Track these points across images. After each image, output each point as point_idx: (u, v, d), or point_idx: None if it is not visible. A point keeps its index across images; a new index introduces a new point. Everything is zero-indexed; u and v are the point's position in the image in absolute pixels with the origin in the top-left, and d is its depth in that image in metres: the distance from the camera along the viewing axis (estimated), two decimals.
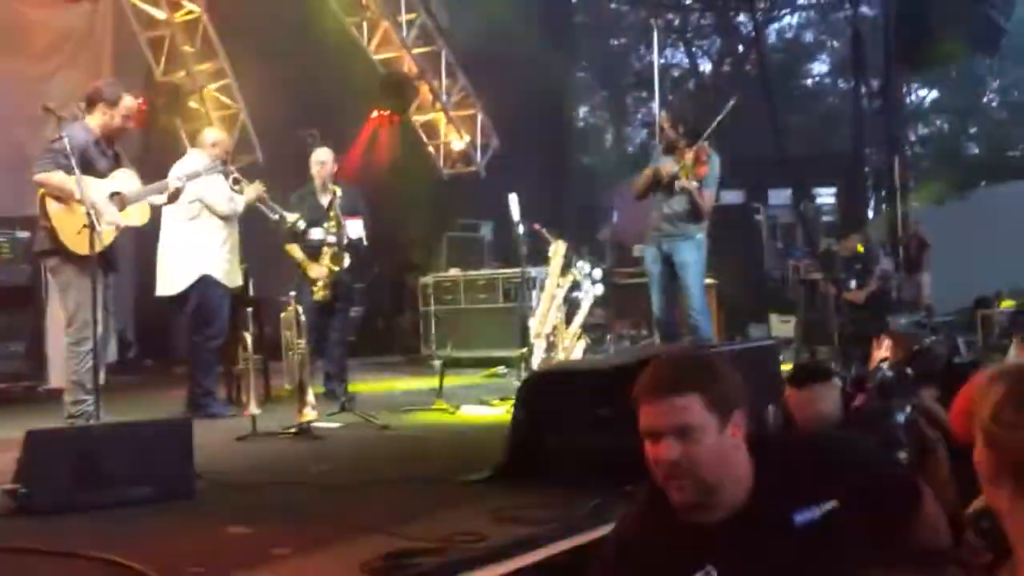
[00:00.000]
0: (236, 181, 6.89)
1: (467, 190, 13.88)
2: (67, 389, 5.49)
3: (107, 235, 5.42)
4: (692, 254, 7.13)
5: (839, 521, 1.95)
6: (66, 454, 3.70)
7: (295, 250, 7.30)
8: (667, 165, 7.10)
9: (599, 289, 8.74)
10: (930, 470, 2.62)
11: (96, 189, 5.42)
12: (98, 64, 9.66)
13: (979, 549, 2.04)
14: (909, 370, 3.16)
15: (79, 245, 5.24)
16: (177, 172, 6.20)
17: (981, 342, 10.48)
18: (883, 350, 3.43)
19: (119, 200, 5.53)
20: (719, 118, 7.14)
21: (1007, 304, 12.02)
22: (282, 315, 6.09)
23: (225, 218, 6.69)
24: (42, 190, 5.45)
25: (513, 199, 7.36)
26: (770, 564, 1.93)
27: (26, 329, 7.99)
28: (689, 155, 7.03)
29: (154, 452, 3.87)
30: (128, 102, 5.63)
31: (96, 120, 5.60)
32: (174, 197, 6.02)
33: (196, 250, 6.61)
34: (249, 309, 6.40)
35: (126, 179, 5.64)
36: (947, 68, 19.71)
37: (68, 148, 5.05)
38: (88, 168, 5.41)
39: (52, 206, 5.40)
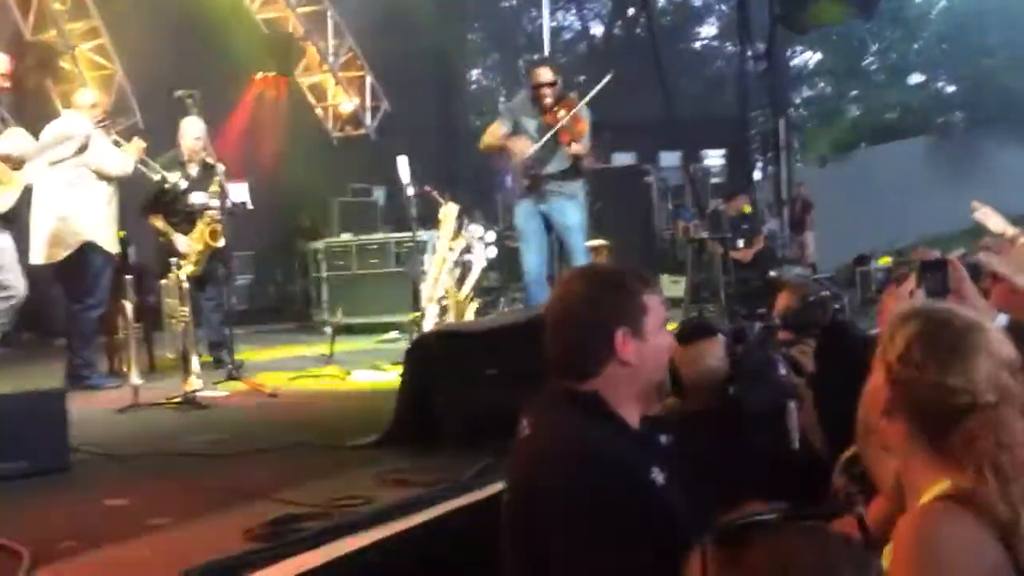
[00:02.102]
0: (116, 143, 6.64)
1: (358, 154, 13.68)
2: None
3: (7, 195, 5.27)
4: (577, 215, 6.90)
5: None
6: None
7: (159, 221, 7.08)
8: (521, 142, 6.70)
9: (491, 252, 8.74)
10: (800, 416, 2.69)
11: None
12: None
13: (852, 495, 2.11)
14: (777, 320, 3.24)
15: None
16: (59, 130, 5.96)
17: (859, 298, 10.86)
18: (782, 302, 3.47)
19: (14, 161, 5.31)
20: (596, 89, 6.97)
21: (884, 261, 12.48)
22: (163, 283, 5.91)
23: (111, 181, 6.47)
24: None
25: (402, 161, 7.27)
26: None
27: None
28: (562, 112, 6.69)
29: (26, 425, 3.71)
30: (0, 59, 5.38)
31: None
32: (83, 149, 5.80)
33: (78, 214, 6.36)
34: (129, 276, 6.18)
35: (17, 138, 5.40)
36: (828, 31, 20.22)
37: None
38: None
39: None
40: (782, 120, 14.62)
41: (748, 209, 11.29)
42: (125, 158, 6.51)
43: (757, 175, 19.57)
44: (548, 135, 6.64)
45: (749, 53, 15.69)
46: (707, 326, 2.93)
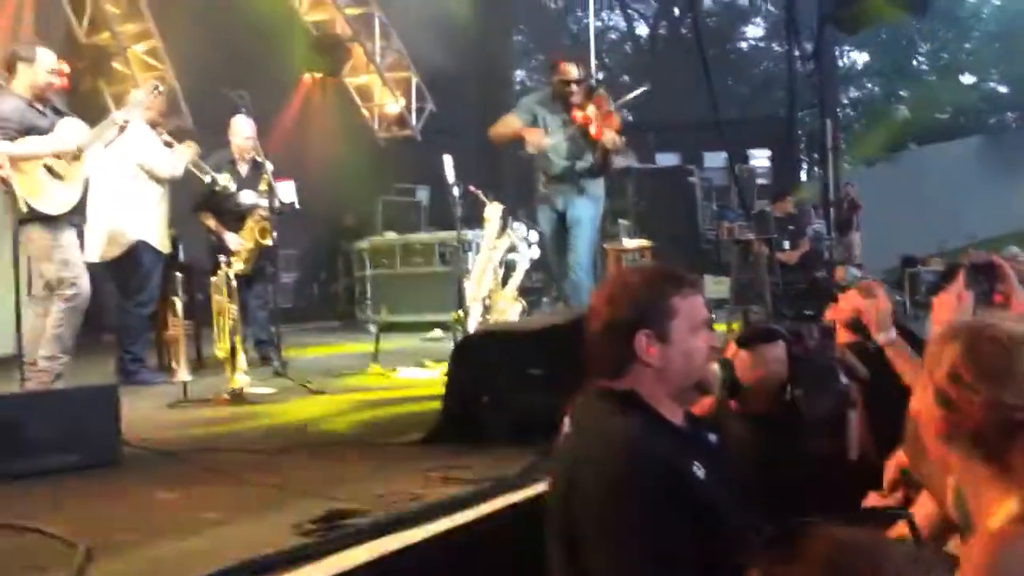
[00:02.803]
0: (167, 144, 6.75)
1: (403, 154, 13.75)
2: (42, 343, 5.33)
3: (71, 192, 5.34)
4: (589, 210, 6.69)
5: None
6: None
7: (209, 219, 7.18)
8: (536, 133, 6.56)
9: (535, 252, 8.74)
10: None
11: (45, 146, 5.31)
12: (17, 27, 9.33)
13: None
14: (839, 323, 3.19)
15: (47, 206, 5.24)
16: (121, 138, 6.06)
17: (908, 300, 10.71)
18: (849, 304, 3.38)
19: (73, 153, 5.40)
20: (629, 97, 6.99)
21: (934, 264, 12.29)
22: (213, 279, 5.99)
23: (162, 181, 6.59)
24: None
25: (448, 160, 7.29)
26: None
27: None
28: (592, 108, 6.50)
29: (79, 419, 3.78)
30: (45, 56, 5.46)
31: (22, 82, 5.42)
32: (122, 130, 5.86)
33: (131, 214, 6.48)
34: (179, 274, 6.27)
35: (73, 128, 5.48)
36: (877, 31, 19.99)
37: (3, 117, 5.03)
38: (31, 131, 5.33)
39: (14, 178, 5.26)
40: (829, 121, 14.47)
41: (794, 210, 11.20)
42: (176, 161, 6.61)
43: (803, 176, 19.37)
44: (574, 131, 6.52)
45: (797, 53, 15.55)
46: (770, 331, 2.90)
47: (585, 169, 6.64)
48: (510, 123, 6.76)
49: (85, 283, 5.42)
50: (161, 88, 6.26)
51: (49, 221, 5.29)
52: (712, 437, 2.20)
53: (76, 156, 5.41)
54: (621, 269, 2.24)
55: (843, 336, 2.96)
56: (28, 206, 5.21)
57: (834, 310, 3.09)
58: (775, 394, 2.66)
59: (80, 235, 5.61)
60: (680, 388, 2.11)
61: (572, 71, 6.60)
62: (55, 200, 5.28)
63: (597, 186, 6.75)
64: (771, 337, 2.78)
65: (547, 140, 6.53)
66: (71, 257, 5.38)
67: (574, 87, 6.57)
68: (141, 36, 10.66)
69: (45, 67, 5.41)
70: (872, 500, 2.39)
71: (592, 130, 6.48)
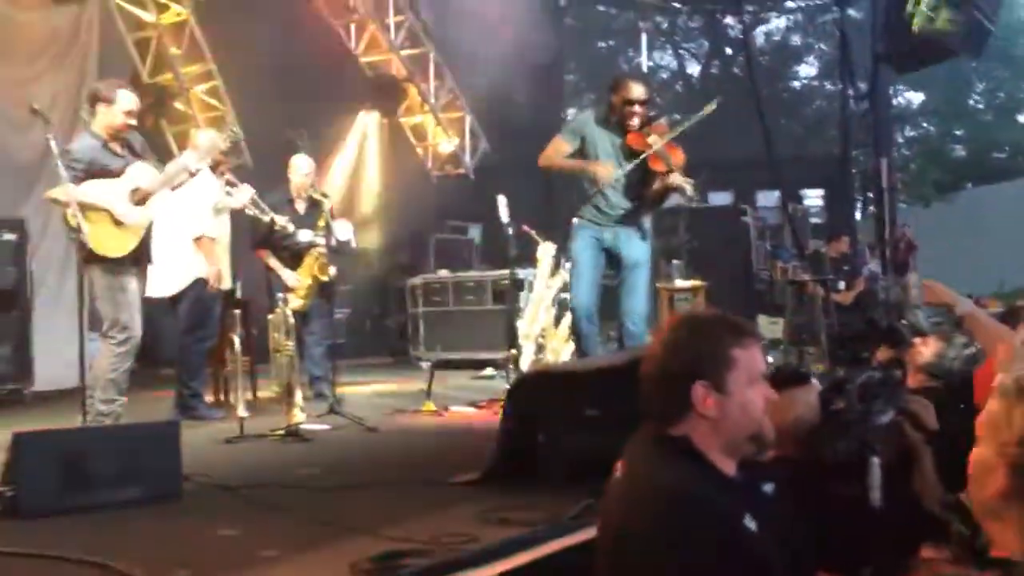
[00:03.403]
0: (230, 183, 6.89)
1: (456, 192, 13.88)
2: (99, 387, 5.43)
3: (132, 236, 5.43)
4: (645, 250, 6.09)
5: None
6: (53, 456, 3.68)
7: (268, 256, 7.30)
8: (605, 170, 5.80)
9: None
10: (916, 474, 2.62)
11: (112, 191, 5.40)
12: (84, 66, 9.60)
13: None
14: (898, 372, 3.16)
15: (107, 249, 5.31)
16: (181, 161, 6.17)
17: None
18: (930, 349, 3.32)
19: (140, 194, 5.49)
20: (695, 118, 6.13)
21: (993, 306, 12.07)
22: (270, 317, 6.08)
23: (222, 218, 6.74)
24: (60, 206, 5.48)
25: (502, 201, 7.35)
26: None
27: (12, 332, 7.95)
28: (654, 137, 5.78)
29: (141, 454, 3.85)
30: (125, 97, 5.56)
31: (100, 122, 5.53)
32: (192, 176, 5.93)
33: (192, 252, 6.60)
34: (237, 311, 6.37)
35: (142, 172, 5.58)
36: (933, 71, 19.82)
37: (70, 158, 5.11)
38: (102, 172, 5.41)
39: (71, 217, 5.39)
40: (884, 160, 14.34)
41: (849, 251, 11.09)
42: (225, 203, 6.76)
43: (858, 215, 19.18)
44: (638, 159, 5.78)
45: (851, 92, 15.47)
46: (801, 373, 2.87)
47: (642, 205, 6.01)
48: (560, 148, 6.08)
49: (137, 328, 5.47)
50: (237, 133, 6.31)
51: (108, 263, 5.35)
52: (767, 488, 2.18)
53: (141, 201, 5.50)
54: (680, 315, 2.19)
55: (917, 380, 2.94)
56: (86, 247, 5.33)
57: (911, 354, 3.07)
58: (803, 439, 2.63)
59: (144, 275, 5.69)
60: (736, 440, 2.07)
61: (636, 90, 5.88)
62: (113, 244, 5.34)
63: (645, 220, 6.12)
64: (802, 380, 2.75)
65: (619, 171, 5.83)
66: (127, 301, 5.43)
67: (637, 107, 5.85)
68: (202, 77, 10.91)
69: (123, 108, 5.51)
70: (927, 553, 2.35)
71: (654, 163, 5.78)
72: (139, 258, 5.55)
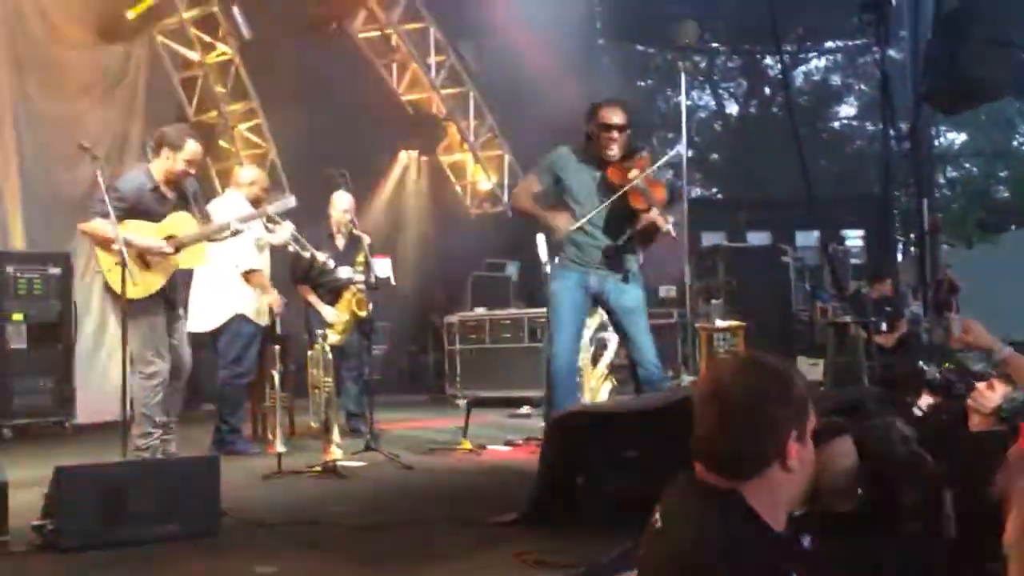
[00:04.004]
0: (270, 220, 6.94)
1: (493, 229, 13.92)
2: (135, 422, 5.47)
3: (159, 277, 5.47)
4: (637, 294, 5.52)
5: None
6: (93, 491, 3.71)
7: (307, 292, 7.35)
8: (563, 217, 5.35)
9: None
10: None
11: (148, 233, 5.47)
12: (131, 104, 9.80)
13: None
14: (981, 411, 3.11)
15: (131, 290, 5.25)
16: (225, 213, 6.20)
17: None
18: (997, 392, 3.24)
19: (174, 243, 5.54)
20: (664, 160, 5.87)
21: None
22: (309, 353, 6.11)
23: (263, 253, 6.79)
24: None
25: (541, 239, 7.35)
26: None
27: (55, 365, 8.05)
28: (635, 172, 5.28)
29: (180, 489, 3.87)
30: (192, 147, 5.60)
31: (160, 165, 5.59)
32: (236, 233, 5.94)
33: (231, 288, 6.66)
34: (277, 347, 6.41)
35: (181, 222, 5.63)
36: (976, 111, 19.67)
37: (106, 194, 5.15)
38: (143, 214, 5.47)
39: (101, 254, 5.46)
40: (925, 201, 14.20)
41: (891, 292, 10.96)
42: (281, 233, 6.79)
43: (899, 256, 18.98)
44: (616, 195, 5.27)
45: (892, 133, 15.37)
46: (837, 425, 2.82)
47: (626, 244, 5.44)
48: (528, 188, 5.62)
49: (164, 366, 5.47)
50: (292, 203, 6.31)
51: (134, 301, 5.28)
52: (806, 541, 2.12)
53: (176, 248, 5.53)
54: (750, 358, 2.07)
55: (984, 423, 2.90)
56: (109, 285, 5.39)
57: (974, 397, 3.02)
58: (848, 489, 2.58)
59: (176, 309, 5.72)
60: (799, 493, 1.98)
61: (612, 114, 5.39)
62: (135, 284, 5.25)
63: (635, 260, 5.57)
64: (838, 432, 2.69)
65: (571, 226, 5.34)
66: (153, 337, 5.44)
67: (615, 134, 5.35)
68: (247, 115, 11.09)
69: (187, 156, 5.57)
70: None
71: (634, 199, 5.28)
72: (170, 296, 5.57)
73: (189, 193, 5.70)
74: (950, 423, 3.24)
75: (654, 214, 5.21)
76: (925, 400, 3.50)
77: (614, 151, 5.35)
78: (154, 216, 5.51)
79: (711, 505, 1.94)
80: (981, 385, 3.13)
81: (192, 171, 5.64)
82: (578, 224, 5.31)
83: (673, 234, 5.29)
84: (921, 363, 3.91)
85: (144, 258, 5.43)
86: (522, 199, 5.66)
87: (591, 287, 5.45)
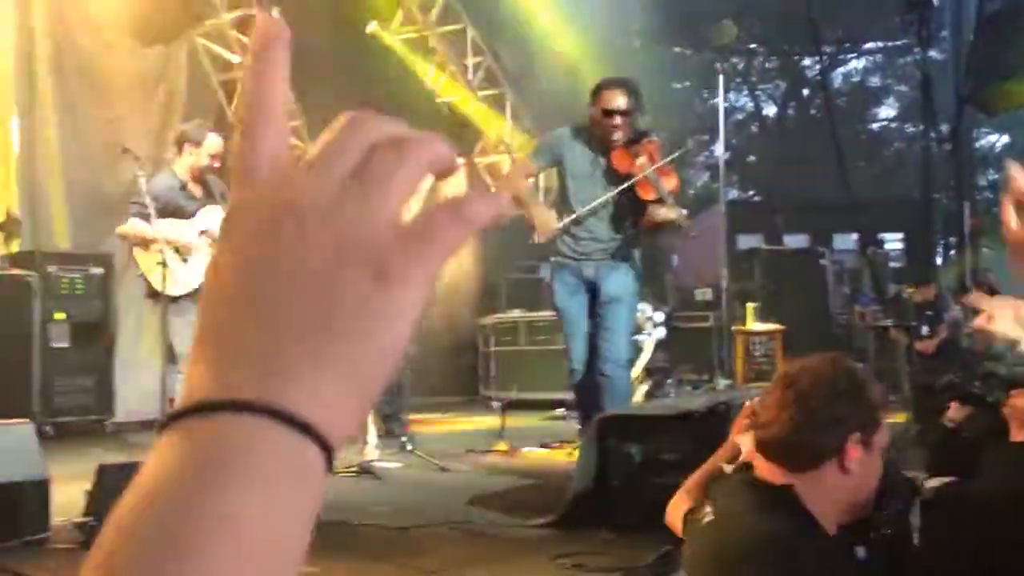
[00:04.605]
0: None
1: (528, 231, 13.90)
2: None
3: (196, 274, 5.50)
4: (627, 283, 5.15)
5: None
6: None
7: None
8: (545, 216, 5.10)
9: (661, 332, 8.67)
10: None
11: (184, 231, 5.52)
12: (172, 106, 9.89)
13: None
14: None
15: (170, 286, 5.34)
16: None
17: None
18: None
19: (208, 237, 5.58)
20: (677, 154, 5.39)
21: None
22: None
23: None
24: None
25: None
26: None
27: (96, 364, 8.14)
28: (643, 159, 4.92)
29: None
30: (212, 140, 5.69)
31: (184, 163, 5.66)
32: None
33: None
34: None
35: (213, 215, 5.68)
36: (1018, 113, 19.41)
37: (143, 196, 5.19)
38: (174, 212, 5.52)
39: (139, 255, 5.52)
40: (967, 203, 14.03)
41: (934, 296, 10.82)
42: None
43: (939, 260, 18.75)
44: (624, 184, 4.90)
45: (932, 135, 15.22)
46: None
47: (630, 237, 5.17)
48: (522, 168, 5.37)
49: None
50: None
51: (172, 300, 5.36)
52: (860, 552, 2.10)
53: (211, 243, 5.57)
54: (831, 357, 2.01)
55: (1021, 434, 2.83)
56: (150, 285, 5.43)
57: (1013, 405, 2.94)
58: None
59: None
60: (856, 501, 1.99)
61: (615, 99, 5.00)
62: (175, 281, 5.34)
63: (634, 255, 5.25)
64: None
65: (560, 223, 5.01)
66: (188, 337, 5.50)
67: (618, 119, 4.97)
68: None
69: (210, 151, 5.65)
70: None
71: (644, 190, 4.93)
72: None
73: (216, 192, 5.75)
74: (986, 435, 3.16)
75: (665, 209, 4.90)
76: (957, 411, 3.37)
77: (618, 136, 5.00)
78: (185, 213, 5.58)
79: (765, 499, 1.97)
80: (1017, 392, 3.04)
81: (217, 164, 5.69)
82: (565, 223, 4.95)
83: (682, 224, 4.94)
84: (957, 379, 3.79)
85: (182, 255, 5.48)
86: (515, 177, 5.38)
87: (588, 279, 5.12)
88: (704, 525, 2.05)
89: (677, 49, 24.47)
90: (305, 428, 0.42)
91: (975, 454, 2.87)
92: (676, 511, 2.37)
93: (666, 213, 4.89)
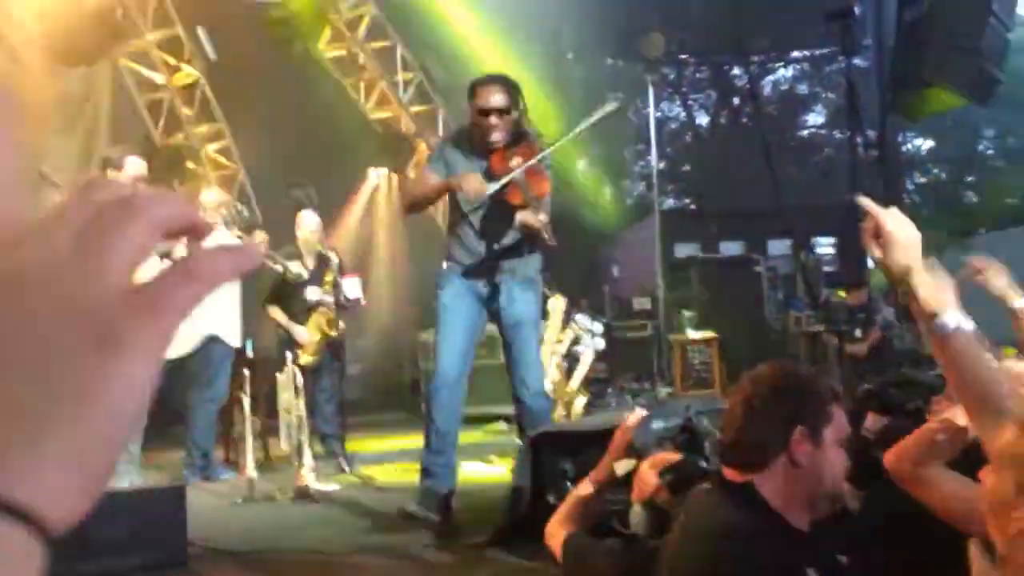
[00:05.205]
0: (239, 238, 6.90)
1: None
2: None
3: None
4: (531, 305, 4.81)
5: None
6: None
7: (277, 312, 7.27)
8: (473, 180, 4.50)
9: (599, 343, 8.69)
10: None
11: None
12: (96, 129, 9.71)
13: None
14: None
15: None
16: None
17: None
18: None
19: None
20: (592, 120, 4.99)
21: (1009, 352, 11.92)
22: (279, 376, 6.04)
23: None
24: None
25: None
26: None
27: None
28: (517, 160, 4.53)
29: (145, 520, 3.80)
30: (133, 164, 5.63)
31: None
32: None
33: (200, 309, 6.56)
34: (246, 371, 6.34)
35: None
36: (940, 118, 19.90)
37: None
38: None
39: None
40: (895, 207, 14.29)
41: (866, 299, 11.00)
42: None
43: (870, 263, 19.11)
44: (498, 184, 4.49)
45: (859, 140, 15.49)
46: (704, 470, 2.79)
47: (516, 246, 4.74)
48: (425, 182, 4.84)
49: None
50: (244, 212, 6.23)
51: None
52: (841, 558, 2.11)
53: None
54: (776, 362, 2.03)
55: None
56: None
57: (938, 415, 2.88)
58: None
59: None
60: (814, 494, 2.04)
61: (490, 96, 4.63)
62: None
63: (530, 266, 4.84)
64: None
65: (490, 188, 4.49)
66: None
67: (493, 119, 4.59)
68: (213, 136, 11.02)
69: (131, 174, 5.57)
70: None
71: (512, 194, 4.52)
72: None
73: None
74: None
75: (528, 213, 4.44)
76: (873, 421, 3.23)
77: (497, 137, 4.61)
78: None
79: (726, 496, 2.05)
80: (938, 399, 2.84)
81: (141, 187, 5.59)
82: (491, 189, 4.44)
83: (546, 237, 4.44)
84: (873, 387, 3.66)
85: None
86: (420, 186, 4.88)
87: (481, 294, 4.75)
88: (679, 526, 2.09)
89: (610, 61, 24.68)
90: (15, 512, 0.39)
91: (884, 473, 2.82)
92: (554, 539, 2.42)
93: (530, 218, 4.43)
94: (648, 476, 2.37)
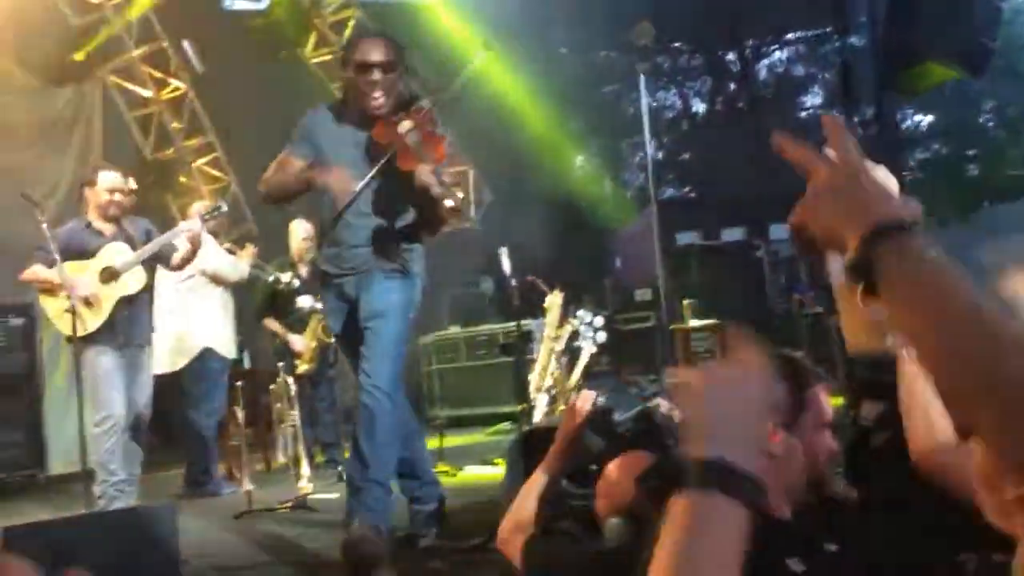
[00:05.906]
0: (229, 251, 6.89)
1: (464, 246, 13.83)
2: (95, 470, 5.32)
3: (96, 313, 5.34)
4: (392, 294, 4.14)
5: None
6: (43, 551, 3.58)
7: (273, 323, 7.25)
8: (340, 175, 4.00)
9: (600, 337, 8.62)
10: None
11: (82, 270, 5.38)
12: (88, 147, 9.68)
13: None
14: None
15: (69, 327, 5.20)
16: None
17: None
18: None
19: (109, 273, 5.43)
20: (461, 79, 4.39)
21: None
22: (272, 387, 6.02)
23: (227, 287, 6.70)
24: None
25: (503, 252, 7.29)
26: None
27: (23, 417, 7.92)
28: (407, 124, 3.97)
29: (137, 541, 3.76)
30: (105, 176, 5.59)
31: (90, 204, 5.59)
32: (186, 261, 5.77)
33: (196, 322, 6.57)
34: (240, 383, 6.31)
35: (115, 252, 5.54)
36: (939, 92, 19.78)
37: (48, 242, 5.09)
38: (75, 254, 5.39)
39: (45, 301, 5.42)
40: (897, 183, 14.20)
41: None
42: (239, 263, 6.73)
43: None
44: (383, 160, 3.94)
45: (855, 119, 15.42)
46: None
47: (401, 230, 4.17)
48: (287, 166, 4.23)
49: (116, 411, 5.28)
50: (224, 209, 6.17)
51: (78, 341, 5.21)
52: (832, 547, 2.05)
53: (109, 279, 5.41)
54: (757, 350, 1.85)
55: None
56: (58, 329, 5.36)
57: None
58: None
59: (133, 346, 5.58)
60: (795, 483, 2.01)
61: (372, 50, 4.04)
62: (83, 321, 5.22)
63: (411, 257, 4.27)
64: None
65: (359, 183, 3.96)
66: (99, 378, 5.28)
67: (376, 75, 4.00)
68: (204, 149, 10.98)
69: (105, 187, 5.54)
70: None
71: (404, 160, 3.96)
72: (116, 334, 5.42)
73: (135, 230, 5.61)
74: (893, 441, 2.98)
75: (424, 170, 3.85)
76: (869, 408, 3.14)
77: (379, 100, 4.02)
78: (87, 252, 5.44)
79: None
80: None
81: (118, 198, 5.56)
82: (360, 185, 3.90)
83: (451, 204, 3.87)
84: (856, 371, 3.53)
85: (87, 298, 5.35)
86: (281, 175, 4.24)
87: (349, 293, 4.20)
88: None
89: (603, 53, 24.59)
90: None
91: (883, 461, 2.77)
92: (510, 545, 2.36)
93: (427, 177, 3.84)
94: (622, 484, 2.30)
